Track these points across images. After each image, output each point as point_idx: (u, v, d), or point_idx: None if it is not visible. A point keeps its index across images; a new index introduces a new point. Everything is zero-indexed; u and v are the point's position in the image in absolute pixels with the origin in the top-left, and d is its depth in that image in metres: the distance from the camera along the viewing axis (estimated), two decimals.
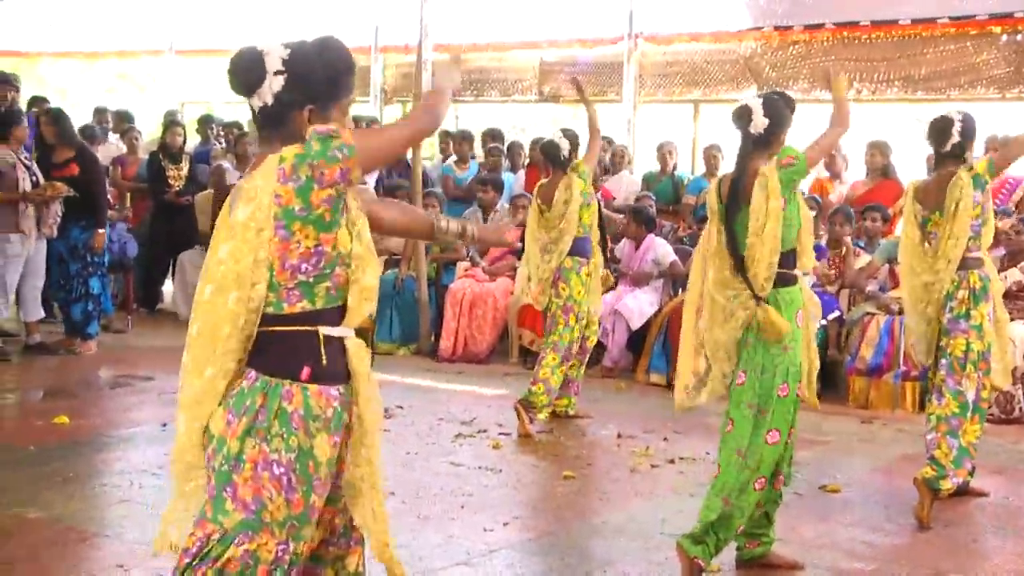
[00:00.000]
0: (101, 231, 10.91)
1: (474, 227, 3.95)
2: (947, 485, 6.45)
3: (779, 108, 5.38)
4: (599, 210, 8.68)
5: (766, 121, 5.32)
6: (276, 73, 3.20)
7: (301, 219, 3.09)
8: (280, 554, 3.12)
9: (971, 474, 6.96)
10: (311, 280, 3.14)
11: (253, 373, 3.18)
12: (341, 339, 3.21)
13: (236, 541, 3.11)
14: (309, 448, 3.13)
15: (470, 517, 6.25)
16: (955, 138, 6.51)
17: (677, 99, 15.00)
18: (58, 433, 7.96)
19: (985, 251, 6.57)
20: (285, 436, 3.13)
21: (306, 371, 3.15)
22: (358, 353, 3.23)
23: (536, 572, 5.55)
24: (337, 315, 3.20)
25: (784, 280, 5.27)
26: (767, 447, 5.22)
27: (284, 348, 3.17)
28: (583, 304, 8.47)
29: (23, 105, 13.22)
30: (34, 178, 10.43)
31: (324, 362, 3.16)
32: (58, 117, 11.11)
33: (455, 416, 8.67)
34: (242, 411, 3.15)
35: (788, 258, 5.28)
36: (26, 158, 10.51)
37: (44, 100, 14.26)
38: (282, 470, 3.12)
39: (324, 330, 3.17)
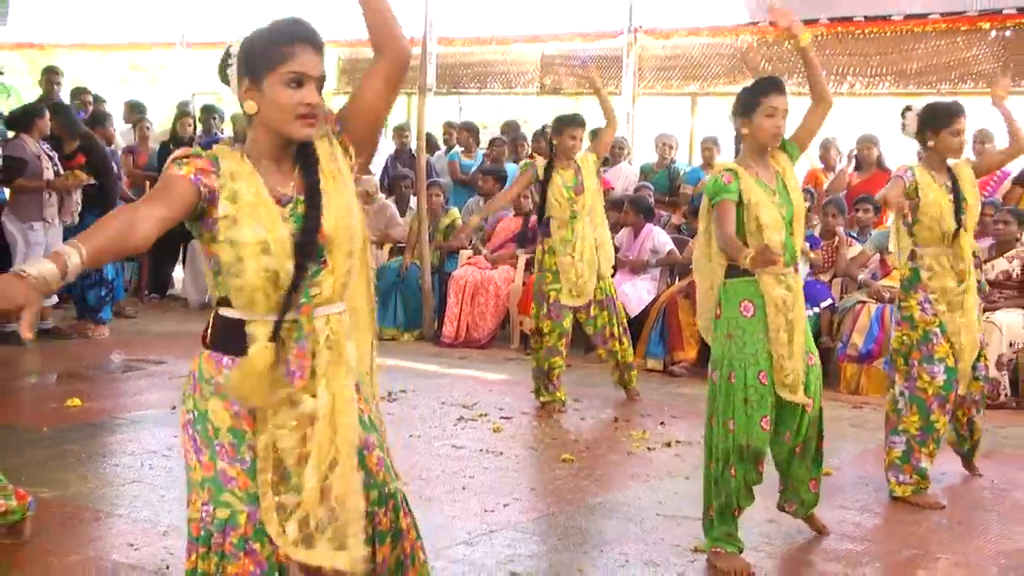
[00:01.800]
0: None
1: None
2: (897, 491, 6.52)
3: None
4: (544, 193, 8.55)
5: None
6: (236, 57, 3.17)
7: (191, 224, 3.17)
8: (204, 515, 3.10)
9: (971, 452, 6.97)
10: (215, 271, 3.15)
11: None
12: (241, 320, 3.14)
13: (188, 501, 3.19)
14: (204, 411, 3.13)
15: (471, 498, 6.27)
16: (912, 126, 6.51)
17: (675, 92, 15.02)
18: (71, 415, 7.99)
19: (927, 246, 6.46)
20: (190, 395, 3.18)
21: (203, 338, 3.20)
22: (258, 336, 3.09)
23: (535, 552, 5.57)
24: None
25: (730, 272, 5.29)
26: (728, 435, 5.23)
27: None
28: (540, 281, 8.55)
29: (66, 96, 13.44)
30: (56, 168, 10.53)
31: (210, 332, 3.17)
32: (59, 110, 11.19)
33: (457, 400, 8.68)
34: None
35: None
36: (48, 149, 10.58)
37: (85, 90, 14.34)
38: (191, 430, 3.15)
39: (221, 309, 3.16)
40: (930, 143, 6.47)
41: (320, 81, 3.12)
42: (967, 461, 7.07)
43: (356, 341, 3.29)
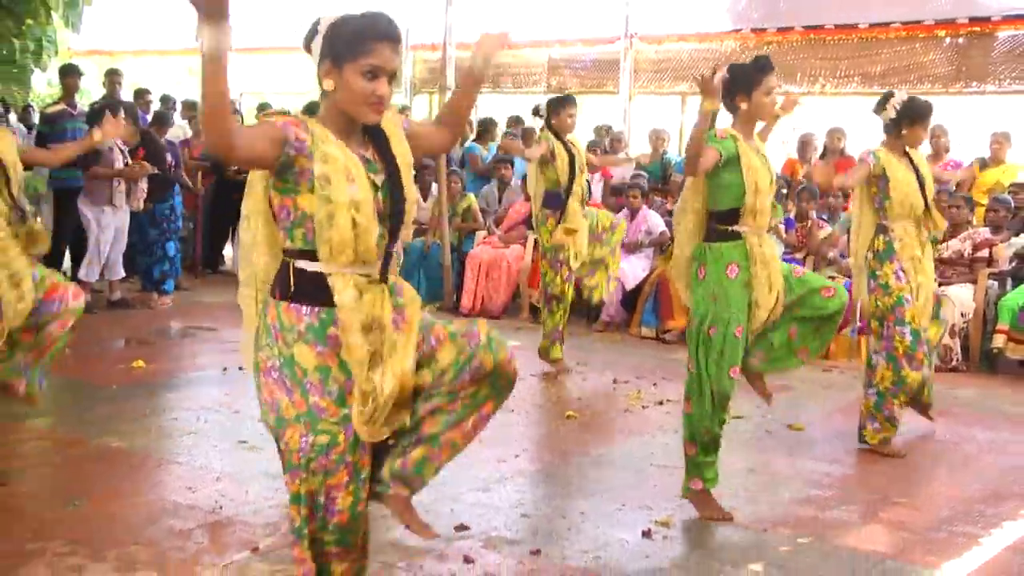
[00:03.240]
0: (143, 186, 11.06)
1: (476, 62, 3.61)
2: (868, 437, 6.56)
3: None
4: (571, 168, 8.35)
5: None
6: (323, 35, 3.15)
7: (266, 181, 3.19)
8: (303, 444, 3.13)
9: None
10: (289, 225, 3.15)
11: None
12: (321, 273, 3.14)
13: (277, 436, 3.20)
14: (291, 356, 3.14)
15: (486, 450, 6.24)
16: (891, 114, 6.47)
17: (667, 91, 14.96)
18: (136, 375, 8.02)
19: (897, 220, 6.44)
20: (271, 345, 3.17)
21: (277, 292, 3.19)
22: (343, 289, 3.12)
23: (541, 497, 5.58)
24: (315, 255, 3.14)
25: (718, 236, 5.20)
26: (722, 380, 5.16)
27: (276, 275, 3.24)
28: (553, 251, 8.38)
29: (129, 96, 13.49)
30: (125, 160, 10.61)
31: (291, 286, 3.15)
32: (126, 109, 11.23)
33: None
34: (255, 329, 3.28)
35: (724, 216, 5.18)
36: (119, 143, 10.64)
37: (146, 91, 14.35)
38: (276, 374, 3.16)
39: (297, 263, 3.15)
40: (904, 132, 6.46)
41: (392, 75, 3.13)
42: (924, 410, 7.04)
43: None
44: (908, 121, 6.42)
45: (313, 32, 3.17)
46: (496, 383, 3.44)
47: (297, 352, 3.14)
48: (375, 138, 3.27)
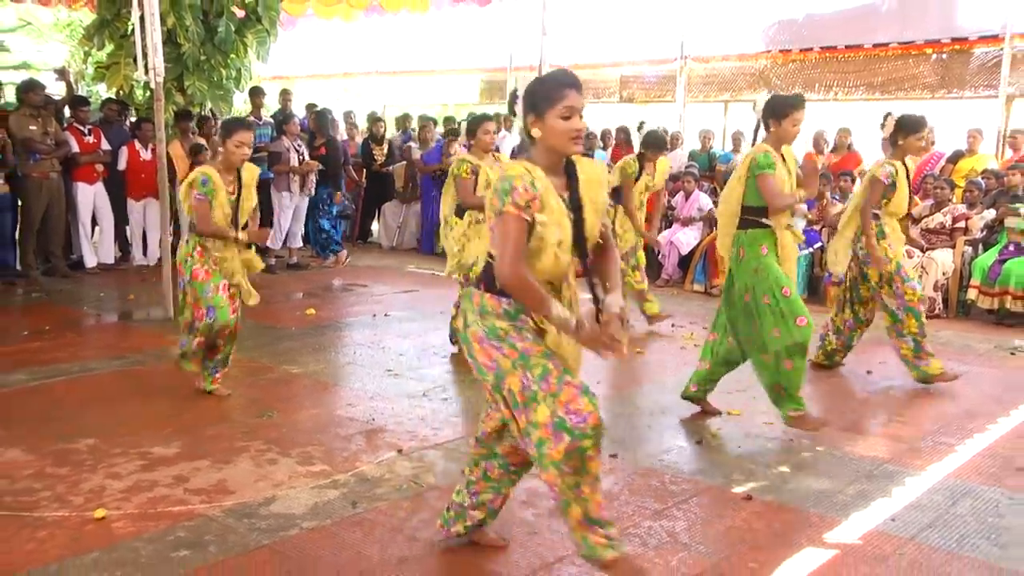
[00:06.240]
0: (337, 192, 11.24)
1: (582, 321, 3.14)
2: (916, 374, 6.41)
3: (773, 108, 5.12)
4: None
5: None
6: (523, 97, 3.14)
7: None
8: (525, 382, 3.05)
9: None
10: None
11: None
12: None
13: (499, 387, 3.13)
14: (492, 325, 3.12)
15: None
16: (889, 129, 6.24)
17: (713, 100, 14.74)
18: (308, 320, 8.16)
19: (887, 212, 6.28)
20: (477, 321, 3.15)
21: (483, 284, 3.17)
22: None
23: (616, 415, 5.58)
24: None
25: (751, 224, 5.11)
26: (776, 340, 4.97)
27: (483, 272, 3.21)
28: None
29: (300, 109, 13.71)
30: (300, 158, 10.80)
31: (492, 283, 3.13)
32: (320, 115, 11.46)
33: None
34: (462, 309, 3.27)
35: (756, 211, 5.09)
36: (297, 144, 10.82)
37: (315, 105, 14.53)
38: (486, 342, 3.12)
39: None
40: (900, 142, 6.22)
41: (582, 113, 3.07)
42: None
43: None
44: (904, 132, 6.17)
45: (514, 98, 3.15)
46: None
47: (499, 324, 3.12)
48: (570, 177, 3.16)
